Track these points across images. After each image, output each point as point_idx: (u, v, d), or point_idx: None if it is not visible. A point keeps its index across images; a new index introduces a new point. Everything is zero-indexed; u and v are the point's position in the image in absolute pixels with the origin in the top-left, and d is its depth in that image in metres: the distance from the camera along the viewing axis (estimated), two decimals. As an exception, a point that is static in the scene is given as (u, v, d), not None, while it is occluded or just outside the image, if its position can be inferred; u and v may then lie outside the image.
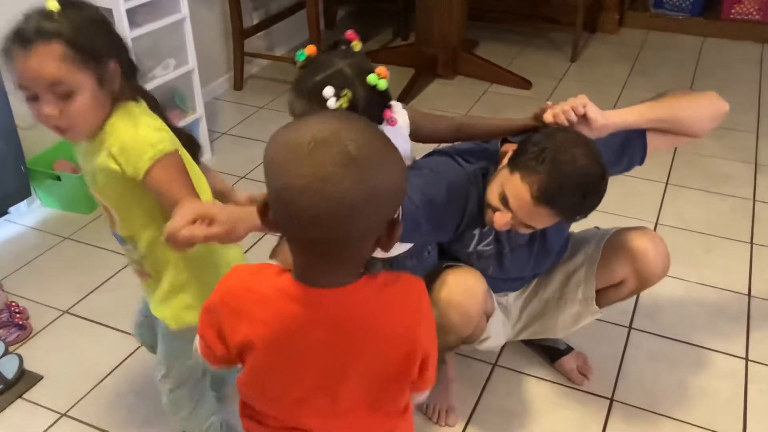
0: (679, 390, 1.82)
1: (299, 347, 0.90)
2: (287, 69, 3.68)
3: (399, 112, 1.39)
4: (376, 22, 4.26)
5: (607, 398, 1.79)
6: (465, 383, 1.82)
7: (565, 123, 1.38)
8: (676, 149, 2.91)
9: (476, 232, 1.56)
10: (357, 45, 1.29)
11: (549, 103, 1.40)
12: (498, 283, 1.68)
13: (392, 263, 1.50)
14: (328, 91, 1.21)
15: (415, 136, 1.43)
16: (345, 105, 1.21)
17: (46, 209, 2.58)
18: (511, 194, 1.36)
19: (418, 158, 1.53)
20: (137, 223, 1.26)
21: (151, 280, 1.33)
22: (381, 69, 1.26)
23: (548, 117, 1.39)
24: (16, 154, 2.39)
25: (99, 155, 1.18)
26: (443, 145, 1.59)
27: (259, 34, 3.57)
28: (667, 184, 2.69)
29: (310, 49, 1.28)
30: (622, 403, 1.78)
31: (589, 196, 1.34)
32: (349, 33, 1.30)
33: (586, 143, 1.35)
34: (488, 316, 1.63)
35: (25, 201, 2.54)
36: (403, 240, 1.38)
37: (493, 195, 1.41)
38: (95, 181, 1.24)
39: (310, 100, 1.25)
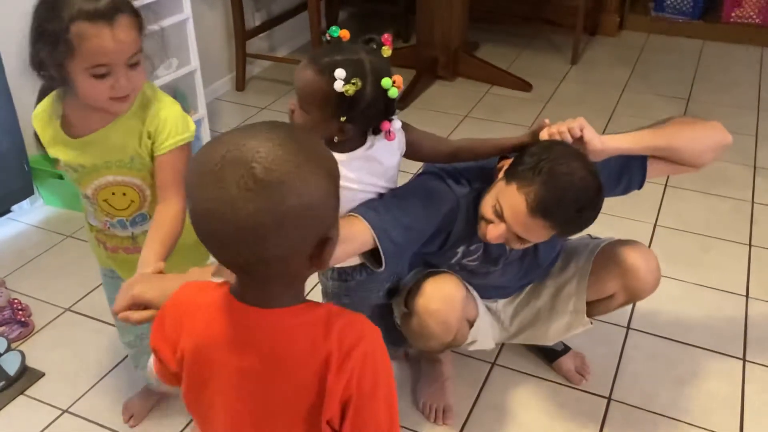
0: (677, 390, 1.83)
1: (217, 362, 0.86)
2: (289, 70, 3.70)
3: (397, 131, 1.35)
4: (377, 24, 4.28)
5: (605, 398, 1.80)
6: (463, 382, 1.84)
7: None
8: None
9: (460, 249, 1.56)
10: (387, 51, 1.26)
11: (547, 120, 1.39)
12: (486, 290, 1.69)
13: (341, 273, 1.48)
14: (341, 72, 1.19)
15: (414, 155, 1.42)
16: (350, 92, 1.19)
17: (48, 208, 2.60)
18: (506, 205, 1.35)
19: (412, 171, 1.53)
20: (154, 194, 1.32)
21: None
22: (398, 78, 1.24)
23: (544, 136, 1.37)
24: (19, 153, 2.41)
25: (134, 128, 1.22)
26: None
27: (261, 35, 3.59)
28: (666, 185, 2.70)
29: (344, 33, 1.25)
30: (619, 402, 1.79)
31: (586, 209, 1.32)
32: (385, 37, 1.28)
33: (584, 157, 1.35)
34: (471, 321, 1.64)
35: (27, 199, 2.56)
36: (389, 267, 1.38)
37: (487, 207, 1.41)
38: (127, 164, 1.25)
39: (319, 73, 1.21)
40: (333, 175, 0.79)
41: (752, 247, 2.37)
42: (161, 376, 0.96)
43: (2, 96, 2.27)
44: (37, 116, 1.29)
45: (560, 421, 1.74)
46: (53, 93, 1.27)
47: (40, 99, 1.31)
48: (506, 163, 1.43)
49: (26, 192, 2.49)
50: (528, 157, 1.34)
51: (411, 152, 1.41)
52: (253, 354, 0.84)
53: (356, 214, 1.33)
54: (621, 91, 3.46)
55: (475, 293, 1.66)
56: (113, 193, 1.29)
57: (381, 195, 1.40)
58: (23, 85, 2.66)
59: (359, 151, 1.32)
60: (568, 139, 1.35)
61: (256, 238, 0.75)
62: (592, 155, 1.38)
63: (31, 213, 2.57)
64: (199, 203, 0.76)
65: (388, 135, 1.29)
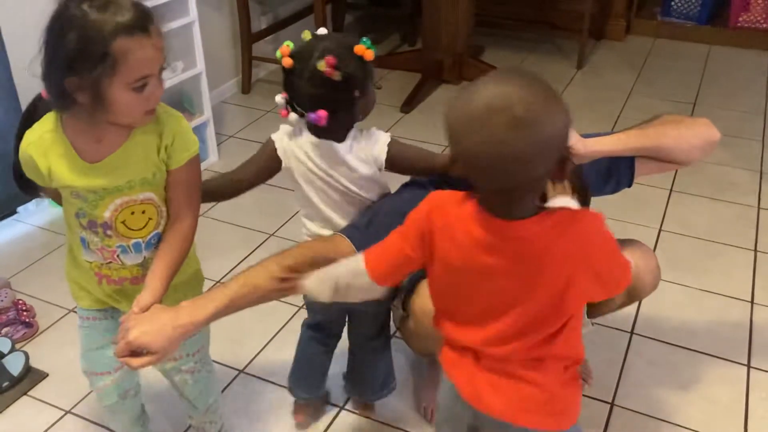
0: (680, 396, 1.82)
1: (478, 268, 1.03)
2: (295, 73, 3.71)
3: (380, 139, 1.40)
4: (383, 28, 4.28)
5: (607, 403, 1.80)
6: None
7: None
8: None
9: None
10: (336, 75, 1.31)
11: None
12: None
13: None
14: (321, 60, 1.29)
15: (402, 169, 1.44)
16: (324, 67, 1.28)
17: (53, 209, 2.60)
18: None
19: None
20: (167, 209, 1.28)
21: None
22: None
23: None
24: (26, 155, 2.42)
25: (152, 143, 1.19)
26: None
27: (267, 38, 3.60)
28: (671, 190, 2.70)
29: (287, 61, 1.33)
30: (622, 408, 1.78)
31: None
32: (329, 60, 1.32)
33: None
34: None
35: (33, 201, 2.57)
36: None
37: None
38: (150, 181, 1.21)
39: (299, 60, 1.32)
40: (564, 105, 0.96)
41: (758, 253, 2.35)
42: (376, 265, 1.13)
43: (9, 99, 2.29)
44: (33, 144, 1.18)
45: None
46: (49, 117, 1.18)
47: (26, 125, 1.20)
48: None
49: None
50: None
51: (399, 166, 1.43)
52: (503, 257, 1.01)
53: (342, 234, 1.38)
54: (627, 96, 3.45)
55: None
56: (132, 213, 1.24)
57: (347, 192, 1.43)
58: (29, 88, 2.67)
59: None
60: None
61: (524, 165, 0.93)
62: (576, 159, 1.37)
63: (37, 214, 2.58)
64: (472, 146, 0.93)
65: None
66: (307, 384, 1.73)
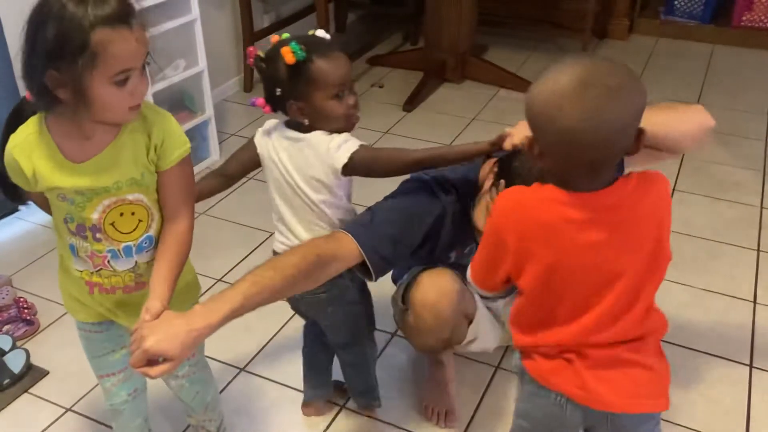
0: (682, 395, 1.81)
1: (580, 250, 1.05)
2: (297, 72, 3.71)
3: (344, 146, 1.35)
4: (386, 26, 4.28)
5: (609, 403, 1.79)
6: (467, 385, 1.83)
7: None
8: (684, 156, 2.91)
9: (452, 255, 1.58)
10: (256, 66, 1.37)
11: (508, 129, 1.30)
12: None
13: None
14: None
15: (370, 173, 1.38)
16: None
17: (55, 207, 2.61)
18: None
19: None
20: (159, 214, 1.25)
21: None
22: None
23: (508, 146, 1.28)
24: (27, 152, 2.42)
25: (138, 144, 1.16)
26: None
27: (269, 36, 3.59)
28: (674, 190, 2.69)
29: (261, 101, 1.39)
30: (624, 407, 1.78)
31: None
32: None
33: None
34: (469, 318, 1.63)
35: (35, 199, 2.57)
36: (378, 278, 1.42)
37: (480, 220, 1.40)
38: (138, 181, 1.18)
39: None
40: (635, 74, 1.03)
41: (760, 253, 2.35)
42: (484, 280, 1.17)
43: (12, 97, 2.29)
44: (18, 146, 1.14)
45: None
46: (34, 119, 1.16)
47: (10, 129, 1.17)
48: (489, 168, 1.41)
49: (34, 191, 2.50)
50: (518, 163, 1.32)
51: (366, 171, 1.37)
52: (602, 228, 1.04)
53: (345, 231, 1.37)
54: (629, 95, 3.44)
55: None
56: (121, 214, 1.20)
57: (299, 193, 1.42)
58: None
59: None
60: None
61: (621, 134, 0.99)
62: None
63: (38, 212, 2.53)
64: (572, 123, 0.97)
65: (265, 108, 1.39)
66: (310, 382, 1.74)
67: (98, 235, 1.21)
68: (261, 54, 1.36)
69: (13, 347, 1.93)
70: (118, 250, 1.23)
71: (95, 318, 1.33)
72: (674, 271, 2.23)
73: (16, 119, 1.18)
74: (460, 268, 1.59)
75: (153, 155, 1.18)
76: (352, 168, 1.35)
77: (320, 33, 1.37)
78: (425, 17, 3.64)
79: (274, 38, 1.36)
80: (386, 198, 1.47)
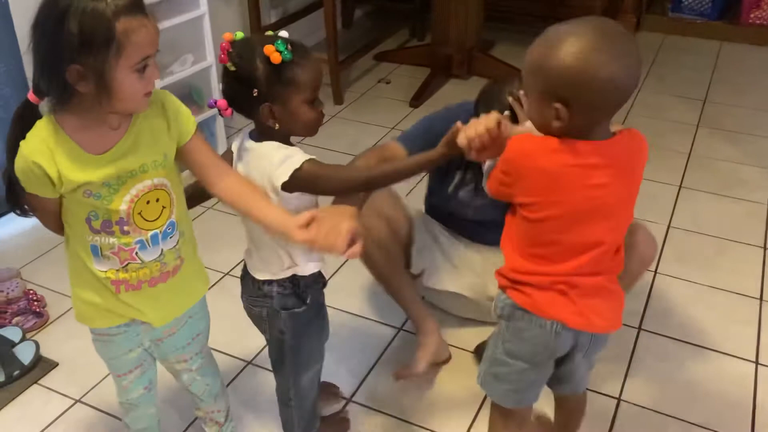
0: (688, 392, 1.82)
1: (588, 190, 1.15)
2: (304, 67, 3.71)
3: (292, 157, 1.26)
4: (392, 22, 4.28)
5: (614, 398, 1.80)
6: (470, 381, 1.83)
7: (480, 147, 1.21)
8: (690, 152, 2.91)
9: (457, 175, 1.78)
10: (228, 65, 1.27)
11: (459, 124, 1.23)
12: (477, 229, 1.88)
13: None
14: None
15: (315, 188, 1.30)
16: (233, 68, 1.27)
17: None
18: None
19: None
20: (180, 198, 1.27)
21: (179, 271, 1.29)
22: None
23: (462, 141, 1.20)
24: (37, 146, 2.43)
25: (158, 125, 1.19)
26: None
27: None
28: (680, 186, 2.69)
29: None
30: (629, 403, 1.78)
31: None
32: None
33: None
34: (401, 238, 1.83)
35: (44, 192, 2.59)
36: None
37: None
38: (162, 163, 1.20)
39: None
40: None
41: (767, 250, 2.35)
42: (497, 186, 1.23)
43: (21, 93, 2.30)
44: (36, 151, 1.12)
45: (569, 421, 1.74)
46: (42, 122, 1.14)
47: (17, 135, 1.14)
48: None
49: (43, 184, 2.52)
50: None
51: (311, 188, 1.30)
52: (608, 173, 1.15)
53: (398, 143, 1.66)
54: (636, 92, 3.44)
55: (417, 221, 1.89)
56: (148, 202, 1.21)
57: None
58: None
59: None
60: (487, 140, 1.19)
61: (637, 78, 1.12)
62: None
63: (48, 205, 2.60)
64: (611, 68, 1.07)
65: (225, 112, 1.31)
66: None
67: (126, 228, 1.20)
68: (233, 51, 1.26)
69: (23, 339, 1.95)
70: (146, 240, 1.23)
71: (116, 321, 1.31)
72: (680, 267, 2.25)
73: (22, 125, 1.15)
74: (456, 202, 1.84)
75: (174, 130, 1.21)
76: (295, 185, 1.26)
77: (283, 34, 1.28)
78: (432, 13, 3.64)
79: (227, 36, 1.27)
80: (440, 111, 1.78)
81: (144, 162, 1.18)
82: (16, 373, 1.85)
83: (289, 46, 1.23)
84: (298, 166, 1.25)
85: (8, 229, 2.48)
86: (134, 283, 1.25)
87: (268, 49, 1.22)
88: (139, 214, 1.21)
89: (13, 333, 1.95)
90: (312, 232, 1.17)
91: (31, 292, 2.12)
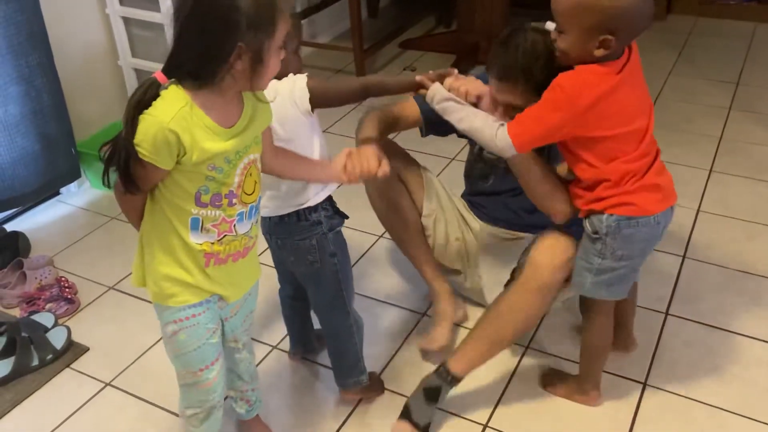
0: (715, 377, 1.79)
1: (628, 92, 1.39)
2: (330, 56, 3.72)
3: (299, 79, 1.40)
4: (418, 9, 4.26)
5: (640, 383, 1.78)
6: (494, 365, 1.83)
7: (460, 99, 1.51)
8: (721, 136, 2.85)
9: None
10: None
11: (455, 70, 1.57)
12: (497, 208, 1.90)
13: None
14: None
15: (323, 101, 1.43)
16: None
17: (94, 191, 2.68)
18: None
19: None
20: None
21: (253, 248, 1.36)
22: None
23: (446, 84, 1.54)
24: (68, 138, 2.49)
25: (256, 106, 1.25)
26: None
27: (302, 21, 3.61)
28: (711, 171, 2.64)
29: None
30: (655, 388, 1.76)
31: (540, 58, 1.45)
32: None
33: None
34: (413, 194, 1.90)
35: (75, 182, 2.64)
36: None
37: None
38: (258, 139, 1.27)
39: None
40: None
41: (800, 234, 2.29)
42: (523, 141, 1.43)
43: (52, 83, 2.35)
44: (174, 120, 1.12)
45: (593, 406, 1.72)
46: (174, 95, 1.14)
47: (137, 111, 1.13)
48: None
49: (74, 175, 2.58)
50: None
51: (320, 98, 1.41)
52: (634, 81, 1.41)
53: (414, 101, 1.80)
54: (667, 76, 3.38)
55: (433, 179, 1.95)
56: (250, 174, 1.26)
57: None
58: (72, 72, 2.74)
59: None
60: (464, 98, 1.53)
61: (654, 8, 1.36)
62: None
63: (78, 195, 2.66)
64: (642, 3, 1.33)
65: None
66: (291, 339, 1.88)
67: (234, 200, 1.25)
68: None
69: (55, 324, 2.00)
70: (245, 213, 1.29)
71: (200, 296, 1.31)
72: (710, 252, 2.21)
73: (143, 101, 1.14)
74: (480, 164, 1.90)
75: (266, 112, 1.28)
76: (314, 101, 1.41)
77: None
78: (458, 0, 3.61)
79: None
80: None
81: (256, 135, 1.26)
82: (50, 357, 1.90)
83: None
84: (304, 83, 1.39)
85: (41, 218, 2.54)
86: (223, 257, 1.29)
87: None
88: (242, 186, 1.26)
89: (46, 318, 2.01)
90: (349, 168, 1.41)
91: (63, 279, 2.17)
